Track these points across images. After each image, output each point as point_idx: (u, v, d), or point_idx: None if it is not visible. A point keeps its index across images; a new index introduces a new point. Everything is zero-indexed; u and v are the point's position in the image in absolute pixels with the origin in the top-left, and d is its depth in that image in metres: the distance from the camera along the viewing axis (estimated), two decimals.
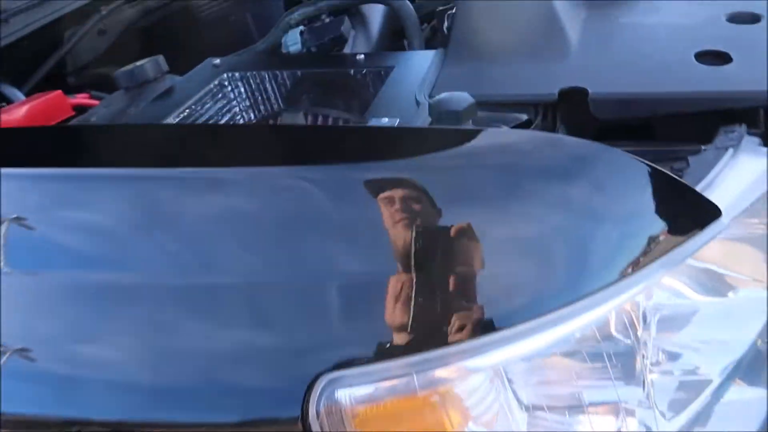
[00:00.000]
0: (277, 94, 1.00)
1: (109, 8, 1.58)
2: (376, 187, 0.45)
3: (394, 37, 1.20)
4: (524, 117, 0.68)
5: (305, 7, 1.07)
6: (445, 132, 0.55)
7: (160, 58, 0.99)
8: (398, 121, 0.68)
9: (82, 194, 0.51)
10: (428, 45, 1.06)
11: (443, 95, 0.66)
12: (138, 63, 0.99)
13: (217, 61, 1.00)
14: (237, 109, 1.03)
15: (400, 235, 0.44)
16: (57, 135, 0.64)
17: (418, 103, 0.73)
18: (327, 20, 1.00)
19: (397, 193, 0.45)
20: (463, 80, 0.76)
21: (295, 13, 1.07)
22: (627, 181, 0.49)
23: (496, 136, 0.54)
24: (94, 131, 0.65)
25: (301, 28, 1.02)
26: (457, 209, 0.44)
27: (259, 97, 1.01)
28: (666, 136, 0.69)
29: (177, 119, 0.87)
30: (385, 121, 0.68)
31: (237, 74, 0.98)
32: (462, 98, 0.64)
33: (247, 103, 1.02)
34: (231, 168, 0.49)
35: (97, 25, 1.57)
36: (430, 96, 0.74)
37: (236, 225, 0.46)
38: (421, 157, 0.49)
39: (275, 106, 1.02)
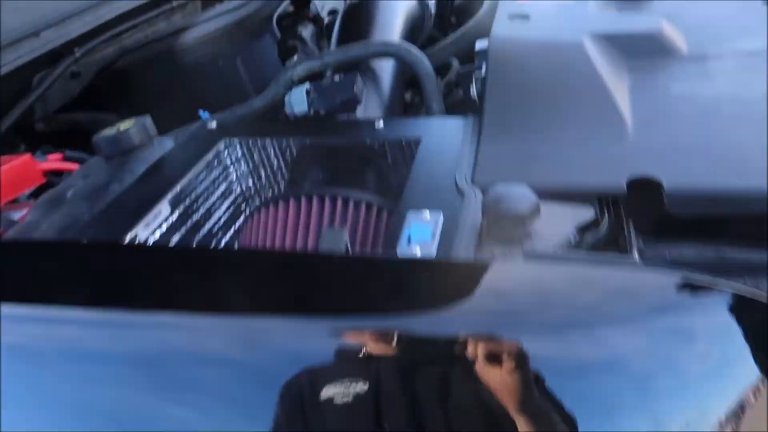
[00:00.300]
0: (281, 160, 0.89)
1: (83, 50, 1.45)
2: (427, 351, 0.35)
3: (405, 88, 1.11)
4: (590, 213, 0.59)
5: (309, 61, 0.97)
6: (503, 269, 0.44)
7: (148, 121, 0.87)
8: (441, 216, 0.58)
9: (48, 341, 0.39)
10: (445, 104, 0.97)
11: (499, 190, 0.55)
12: (121, 126, 0.86)
13: (213, 123, 0.89)
14: (234, 176, 0.91)
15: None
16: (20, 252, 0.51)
17: (460, 190, 0.62)
18: (336, 77, 0.90)
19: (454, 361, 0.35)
20: (507, 162, 0.67)
21: (298, 68, 0.97)
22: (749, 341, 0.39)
23: (561, 277, 0.44)
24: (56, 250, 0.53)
25: (307, 86, 0.91)
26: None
27: (261, 164, 0.90)
28: (741, 234, 0.60)
29: (170, 197, 0.75)
30: (426, 216, 0.58)
31: (236, 139, 0.86)
32: (523, 196, 0.54)
33: (245, 169, 0.91)
34: (219, 316, 0.38)
35: (70, 68, 1.44)
36: (474, 181, 0.64)
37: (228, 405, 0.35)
38: (478, 305, 0.39)
39: (279, 174, 0.90)
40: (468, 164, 0.67)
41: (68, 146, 1.59)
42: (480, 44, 0.90)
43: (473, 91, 0.82)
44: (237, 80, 1.34)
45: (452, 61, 1.08)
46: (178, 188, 0.76)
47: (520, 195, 0.54)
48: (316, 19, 1.52)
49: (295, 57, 1.42)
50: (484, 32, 1.23)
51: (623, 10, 0.98)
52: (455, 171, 0.66)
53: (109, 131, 0.86)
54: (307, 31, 1.46)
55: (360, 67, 0.97)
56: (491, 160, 0.67)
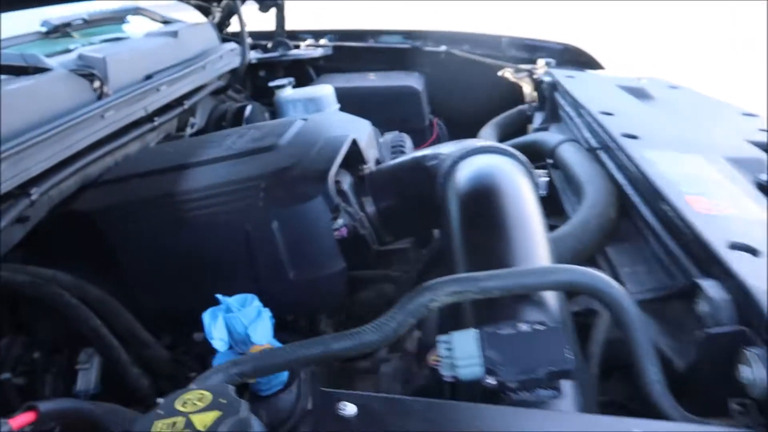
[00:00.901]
0: None
1: (41, 190, 1.04)
2: None
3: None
4: None
5: (458, 282, 0.66)
6: None
7: (244, 411, 0.50)
8: None
9: None
10: None
11: None
12: (196, 422, 0.49)
13: (352, 409, 0.54)
14: None
15: None
16: None
17: None
18: (524, 327, 0.60)
19: None
20: None
21: (440, 291, 0.66)
22: None
23: None
24: None
25: (475, 332, 0.60)
26: None
27: None
28: None
29: None
30: None
31: None
32: None
33: None
34: None
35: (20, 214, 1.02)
36: None
37: None
38: None
39: None
40: None
41: None
42: (714, 291, 0.65)
43: (751, 376, 0.55)
44: (270, 251, 0.99)
45: None
46: None
47: None
48: (355, 166, 1.23)
49: (340, 220, 1.10)
50: (607, 221, 1.00)
51: None
52: None
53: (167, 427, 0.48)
54: (346, 182, 1.16)
55: (532, 297, 0.68)
56: None
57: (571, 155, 1.20)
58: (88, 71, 1.31)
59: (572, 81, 1.61)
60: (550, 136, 1.36)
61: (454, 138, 2.34)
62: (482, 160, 0.93)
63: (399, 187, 1.15)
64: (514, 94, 2.16)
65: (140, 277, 1.06)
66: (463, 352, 0.59)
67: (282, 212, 0.99)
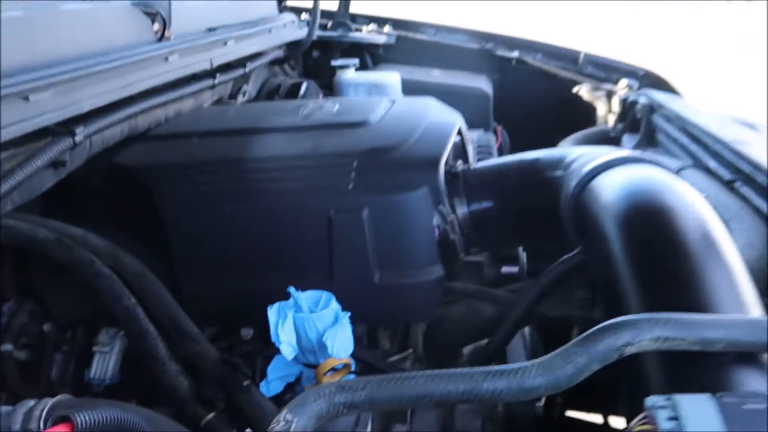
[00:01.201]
0: None
1: (87, 131, 0.86)
2: None
3: None
4: None
5: (672, 326, 0.48)
6: None
7: None
8: None
9: None
10: None
11: None
12: None
13: None
14: None
15: None
16: None
17: None
18: None
19: None
20: None
21: (644, 334, 0.48)
22: None
23: None
24: None
25: (711, 400, 0.42)
26: None
27: None
28: None
29: None
30: None
31: None
32: None
33: None
34: None
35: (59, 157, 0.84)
36: None
37: None
38: None
39: None
40: None
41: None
42: None
43: None
44: (354, 245, 0.81)
45: None
46: None
47: None
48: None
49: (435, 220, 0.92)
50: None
51: None
52: None
53: None
54: None
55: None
56: None
57: (700, 184, 1.02)
58: (151, 9, 1.14)
59: (677, 104, 1.44)
60: (665, 160, 1.18)
61: (516, 148, 2.18)
62: (634, 172, 0.75)
63: (500, 191, 0.97)
64: (585, 112, 1.99)
65: (188, 253, 0.88)
66: (698, 427, 0.41)
67: (376, 200, 0.82)
